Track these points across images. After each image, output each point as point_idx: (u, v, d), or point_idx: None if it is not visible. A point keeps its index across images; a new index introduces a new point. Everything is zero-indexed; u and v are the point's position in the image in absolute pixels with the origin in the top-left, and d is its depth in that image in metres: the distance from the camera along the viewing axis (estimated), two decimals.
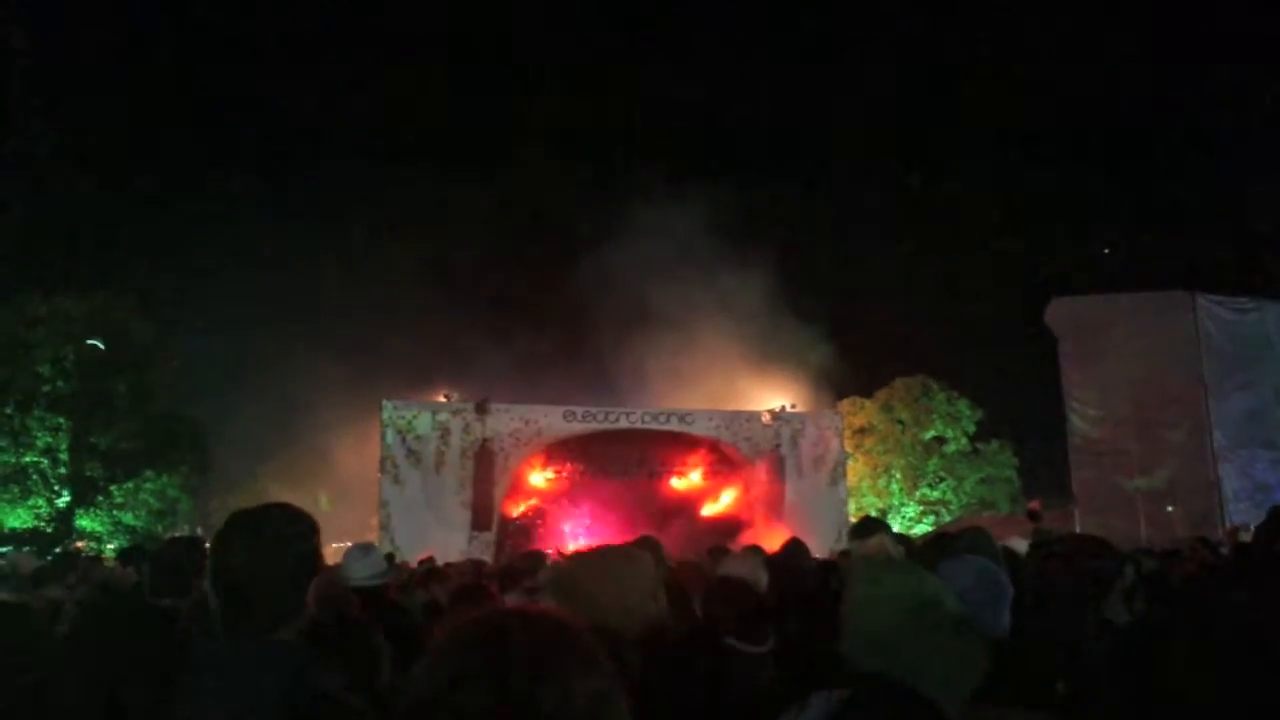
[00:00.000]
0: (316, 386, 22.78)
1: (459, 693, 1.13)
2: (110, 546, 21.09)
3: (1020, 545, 7.47)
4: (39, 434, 21.36)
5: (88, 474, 22.05)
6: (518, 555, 9.34)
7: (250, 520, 1.98)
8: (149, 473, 22.75)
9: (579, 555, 2.55)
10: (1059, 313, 20.16)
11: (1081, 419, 19.65)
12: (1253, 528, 12.83)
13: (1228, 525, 15.39)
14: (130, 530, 21.96)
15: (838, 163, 40.74)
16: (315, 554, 2.02)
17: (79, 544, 20.83)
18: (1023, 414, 28.19)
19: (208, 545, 2.24)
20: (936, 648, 1.83)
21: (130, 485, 22.50)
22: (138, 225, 29.74)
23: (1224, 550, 9.39)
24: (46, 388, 21.62)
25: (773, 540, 7.57)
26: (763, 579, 3.19)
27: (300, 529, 2.00)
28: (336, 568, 4.25)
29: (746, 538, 17.47)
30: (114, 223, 28.90)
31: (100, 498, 22.15)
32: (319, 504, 23.48)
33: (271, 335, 26.14)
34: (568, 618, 1.29)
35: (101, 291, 23.17)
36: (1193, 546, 8.55)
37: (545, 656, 1.17)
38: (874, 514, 26.44)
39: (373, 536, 17.73)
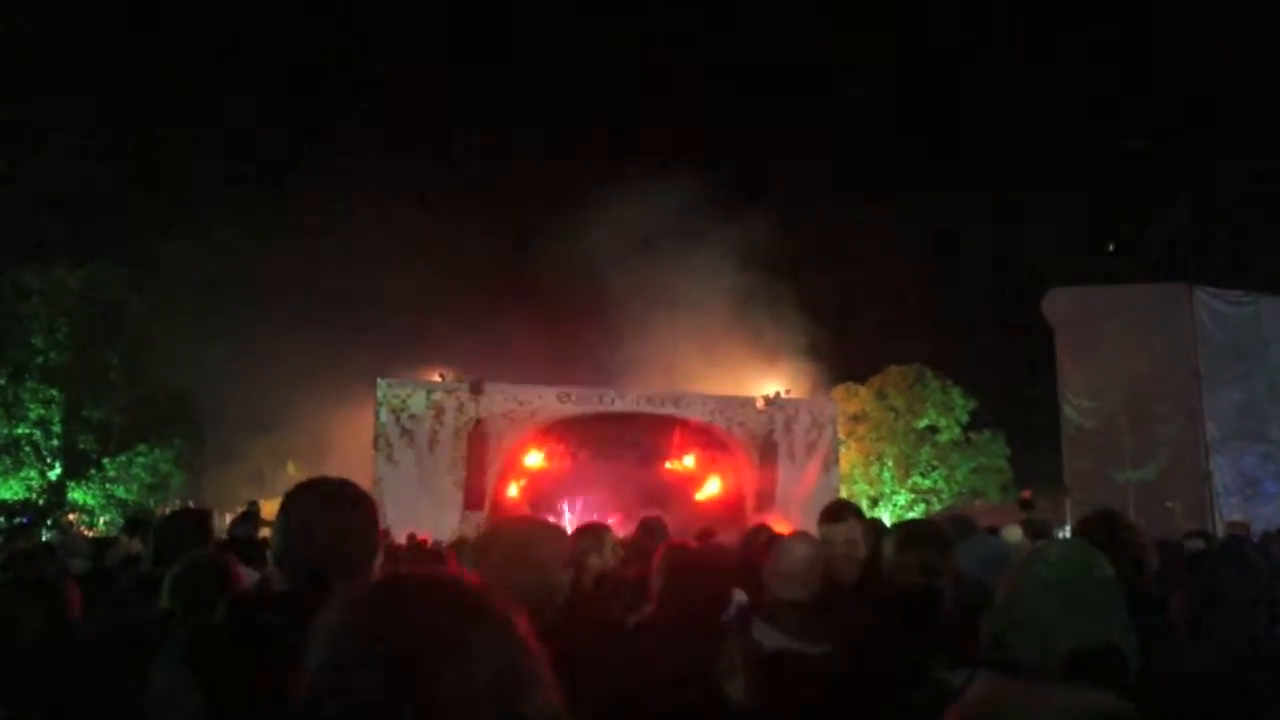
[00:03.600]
0: (312, 363, 22.72)
1: (346, 676, 1.03)
2: (103, 520, 21.09)
3: (1014, 533, 7.50)
4: (31, 406, 21.31)
5: (80, 446, 22.02)
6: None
7: (327, 490, 2.15)
8: (142, 446, 22.73)
9: (499, 524, 2.55)
10: (1055, 303, 20.16)
11: (1075, 410, 19.68)
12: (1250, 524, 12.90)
13: (1220, 518, 15.45)
14: (122, 504, 21.95)
15: (836, 149, 40.63)
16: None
17: (70, 516, 20.84)
18: (1016, 404, 28.27)
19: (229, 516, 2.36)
20: (1115, 635, 1.76)
21: (123, 458, 22.48)
22: (135, 199, 29.59)
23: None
24: (40, 359, 21.56)
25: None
26: (820, 564, 3.15)
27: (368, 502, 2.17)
28: None
29: (738, 523, 17.51)
30: (111, 196, 28.76)
31: (93, 470, 22.12)
32: (287, 470, 23.50)
33: (268, 311, 26.05)
34: (476, 584, 1.18)
35: (97, 264, 23.07)
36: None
37: (447, 629, 1.06)
38: (865, 502, 26.53)
39: None
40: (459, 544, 7.97)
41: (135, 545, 5.18)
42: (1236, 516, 14.58)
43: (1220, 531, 13.02)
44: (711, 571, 3.20)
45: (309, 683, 1.06)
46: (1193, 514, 15.92)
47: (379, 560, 2.08)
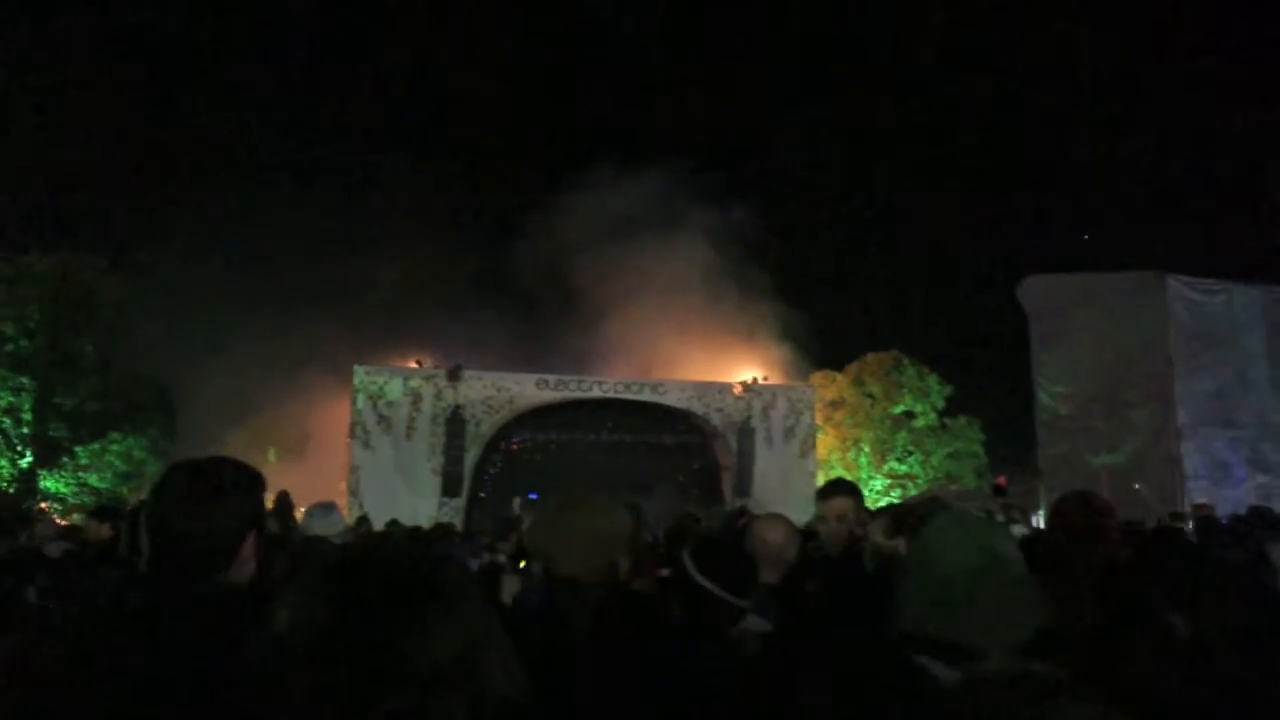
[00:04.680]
0: (290, 351, 22.57)
1: (302, 662, 1.04)
2: (74, 506, 20.88)
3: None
4: (1, 393, 21.03)
5: (52, 434, 21.75)
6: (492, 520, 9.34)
7: (193, 469, 1.94)
8: (115, 435, 22.48)
9: (555, 502, 2.53)
10: (1031, 291, 20.31)
11: (1049, 396, 19.86)
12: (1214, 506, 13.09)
13: (1189, 501, 15.66)
14: (96, 492, 21.72)
15: (820, 142, 40.67)
16: (258, 508, 1.98)
17: (42, 505, 20.60)
18: (991, 390, 28.54)
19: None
20: (1004, 602, 1.77)
21: (96, 447, 22.23)
22: (112, 188, 29.25)
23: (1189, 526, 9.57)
24: (10, 347, 21.26)
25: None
26: (795, 544, 3.18)
27: (243, 480, 1.96)
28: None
29: (715, 509, 17.60)
30: (87, 184, 28.39)
31: (65, 459, 21.88)
32: (268, 458, 23.36)
33: (244, 299, 25.85)
34: (431, 561, 1.21)
35: (69, 251, 22.75)
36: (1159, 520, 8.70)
37: (402, 599, 1.09)
38: None
39: (342, 501, 17.67)
40: (515, 521, 7.92)
41: (105, 530, 5.12)
42: (1201, 499, 14.79)
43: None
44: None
45: (263, 662, 1.08)
46: (1163, 498, 16.14)
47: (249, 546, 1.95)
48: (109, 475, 22.37)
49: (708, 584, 2.56)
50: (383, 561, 1.17)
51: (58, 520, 18.51)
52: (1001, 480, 20.08)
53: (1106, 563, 2.68)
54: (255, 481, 2.00)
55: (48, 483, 21.75)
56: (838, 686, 1.87)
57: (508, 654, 1.15)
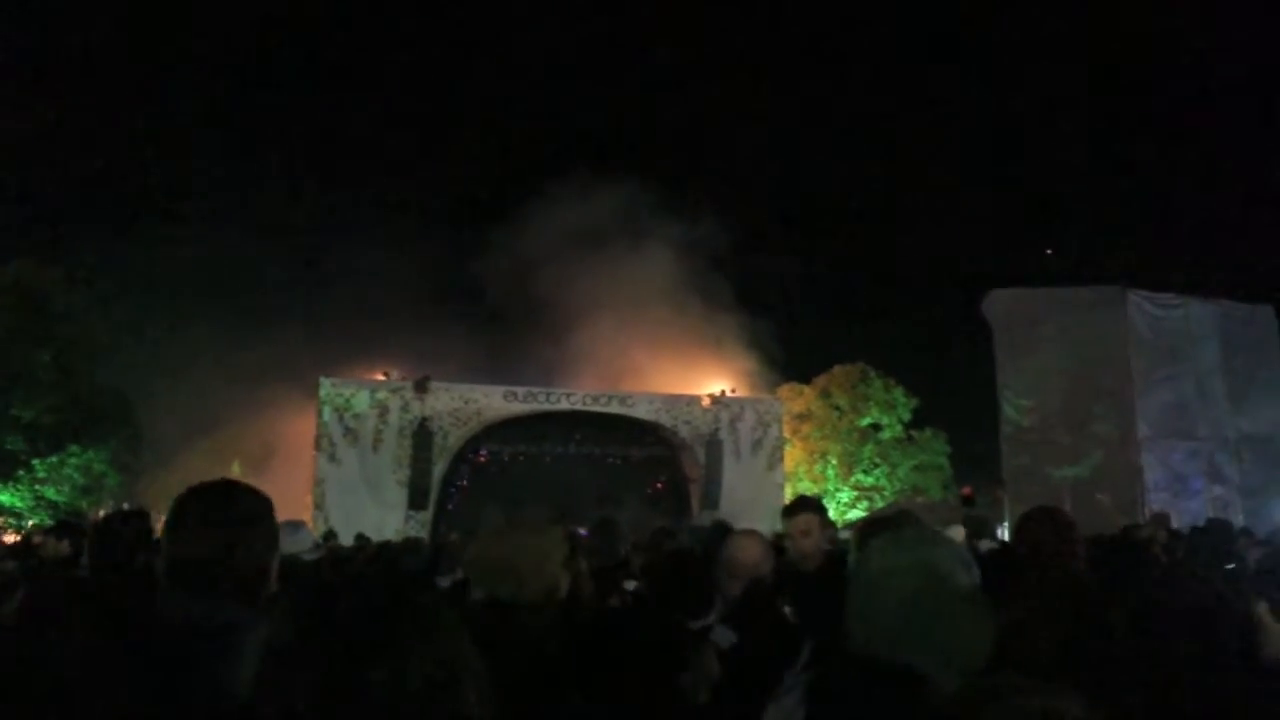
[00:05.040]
0: (254, 363, 22.30)
1: (284, 678, 1.05)
2: (31, 522, 20.42)
3: (957, 532, 7.57)
4: None
5: (8, 447, 21.29)
6: (454, 538, 9.25)
7: (212, 497, 1.94)
8: (74, 447, 22.03)
9: (487, 531, 2.55)
10: (995, 304, 20.56)
11: (1013, 409, 20.09)
12: (1170, 516, 13.31)
13: (1149, 512, 15.90)
14: (53, 506, 21.28)
15: (784, 155, 41.01)
16: (275, 532, 2.00)
17: None
18: (957, 403, 28.81)
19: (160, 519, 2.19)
20: (946, 622, 1.75)
21: (54, 460, 21.77)
22: (71, 196, 28.80)
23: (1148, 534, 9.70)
24: None
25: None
26: (769, 561, 3.18)
27: (264, 506, 1.99)
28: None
29: (684, 521, 17.60)
30: (42, 194, 27.95)
31: (21, 472, 21.41)
32: (232, 470, 23.05)
33: (208, 310, 25.54)
34: (403, 582, 1.21)
35: (25, 260, 22.33)
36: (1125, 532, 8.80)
37: (377, 629, 1.09)
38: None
39: (307, 515, 17.46)
40: (443, 546, 7.87)
41: (64, 548, 5.02)
42: (1157, 508, 15.06)
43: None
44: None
45: (248, 684, 1.07)
46: (1124, 509, 16.37)
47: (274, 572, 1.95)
48: (67, 489, 21.91)
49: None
50: (356, 585, 1.17)
51: (5, 537, 18.11)
52: (967, 491, 20.29)
53: (1072, 579, 2.72)
54: (271, 507, 2.02)
55: (3, 496, 21.28)
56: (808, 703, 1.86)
57: (480, 678, 1.14)
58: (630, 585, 3.98)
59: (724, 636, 2.72)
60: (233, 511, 1.89)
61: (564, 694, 2.07)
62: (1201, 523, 7.65)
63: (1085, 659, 1.83)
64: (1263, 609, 2.08)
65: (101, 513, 19.47)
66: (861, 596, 1.86)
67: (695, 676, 2.33)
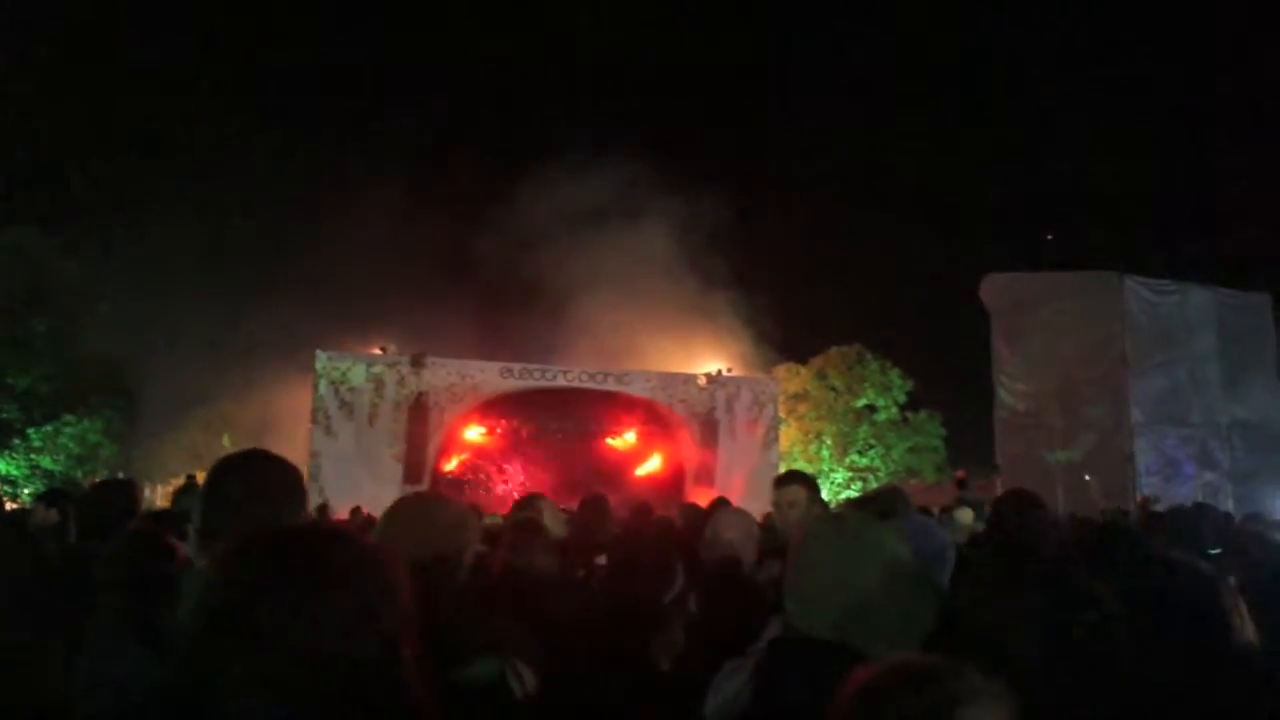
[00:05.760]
0: (251, 335, 22.31)
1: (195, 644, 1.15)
2: (26, 491, 20.48)
3: (966, 515, 7.62)
4: None
5: (3, 416, 21.30)
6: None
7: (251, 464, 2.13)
8: (69, 417, 22.05)
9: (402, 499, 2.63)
10: (993, 288, 20.58)
11: (1009, 392, 20.16)
12: (1159, 500, 13.40)
13: (1139, 497, 15.99)
14: (49, 475, 21.32)
15: (783, 133, 40.81)
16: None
17: None
18: (953, 385, 28.88)
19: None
20: (884, 601, 1.80)
21: (49, 429, 21.79)
22: (70, 165, 28.64)
23: (1134, 518, 9.78)
24: None
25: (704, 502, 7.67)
26: (754, 540, 3.21)
27: (296, 478, 2.16)
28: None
29: (679, 499, 17.66)
30: (39, 163, 27.77)
31: (16, 440, 21.43)
32: (222, 444, 23.10)
33: (204, 282, 25.50)
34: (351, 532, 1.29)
35: (22, 228, 22.24)
36: (1103, 514, 8.89)
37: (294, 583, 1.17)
38: None
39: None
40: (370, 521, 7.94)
41: (53, 515, 5.03)
42: (1148, 493, 15.16)
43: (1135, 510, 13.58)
44: (654, 550, 3.26)
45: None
46: (1115, 494, 16.45)
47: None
48: (62, 458, 21.95)
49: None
50: (274, 543, 1.22)
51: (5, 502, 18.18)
52: (961, 474, 20.37)
53: (1049, 559, 2.75)
54: (301, 477, 2.22)
55: None
56: (756, 679, 1.90)
57: (390, 642, 1.21)
58: (601, 559, 4.01)
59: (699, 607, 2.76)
60: (271, 484, 2.08)
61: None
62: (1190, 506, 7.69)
63: (1059, 650, 1.85)
64: (1231, 591, 2.10)
65: (93, 481, 19.50)
66: (800, 577, 1.90)
67: (663, 645, 2.37)
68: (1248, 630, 2.03)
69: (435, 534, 2.32)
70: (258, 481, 2.03)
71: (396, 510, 2.47)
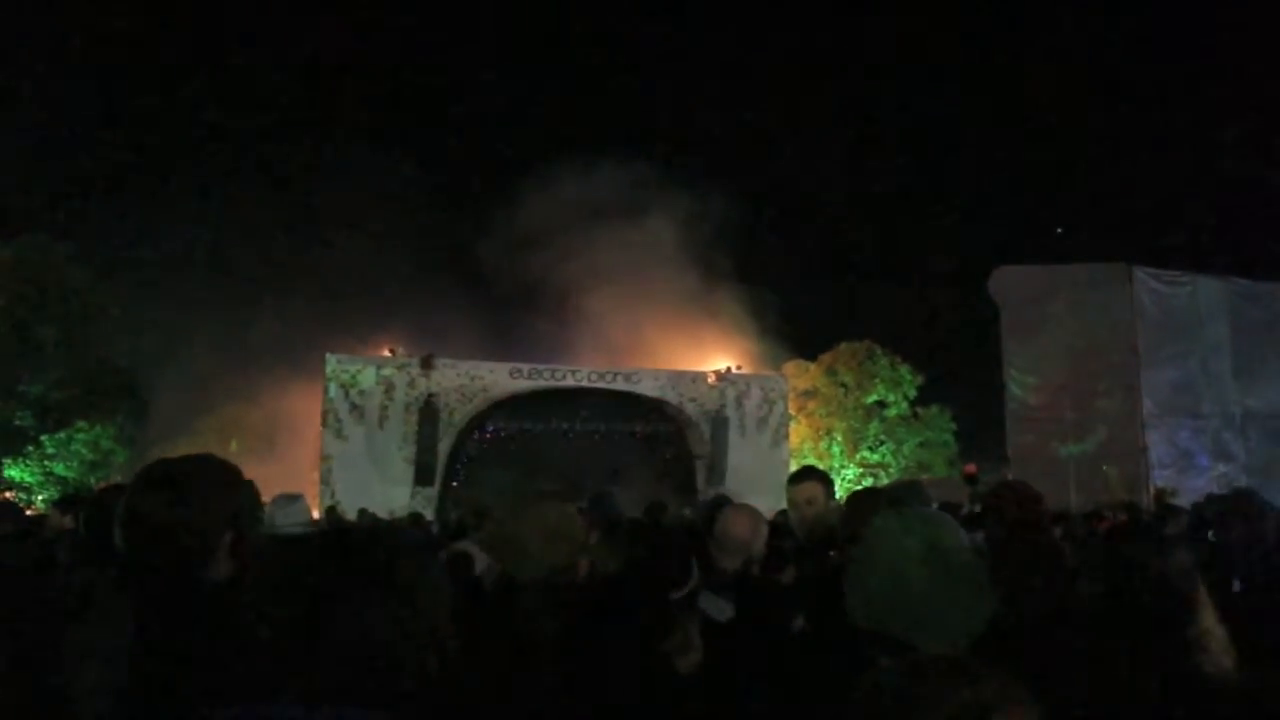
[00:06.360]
0: (262, 339, 22.38)
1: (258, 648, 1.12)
2: (40, 498, 20.59)
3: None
4: None
5: (17, 423, 21.42)
6: (466, 510, 9.30)
7: (170, 467, 1.94)
8: (82, 423, 22.15)
9: (509, 507, 2.57)
10: (1001, 282, 20.47)
11: (1019, 386, 20.06)
12: (1178, 493, 13.34)
13: (1153, 488, 15.90)
14: (62, 481, 21.43)
15: (790, 130, 40.74)
16: (237, 507, 1.96)
17: (7, 494, 20.30)
18: (963, 380, 28.78)
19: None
20: (942, 599, 1.77)
21: (62, 435, 21.90)
22: (79, 172, 28.76)
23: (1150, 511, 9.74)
24: None
25: None
26: (762, 536, 3.20)
27: (221, 478, 1.97)
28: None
29: (690, 497, 17.66)
30: (53, 169, 27.90)
31: (30, 447, 21.55)
32: (230, 448, 23.21)
33: (214, 288, 25.60)
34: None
35: (28, 236, 22.35)
36: (1113, 509, 8.86)
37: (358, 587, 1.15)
38: None
39: (314, 491, 17.56)
40: (477, 518, 7.85)
41: (67, 522, 5.05)
42: (1162, 485, 15.08)
43: (1150, 502, 13.52)
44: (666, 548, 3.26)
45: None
46: (1128, 486, 16.37)
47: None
48: (75, 464, 22.06)
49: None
50: (340, 550, 1.20)
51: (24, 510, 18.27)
52: (971, 469, 20.27)
53: (1047, 550, 2.74)
54: (235, 480, 1.99)
55: (12, 471, 21.42)
56: (775, 675, 1.90)
57: (441, 645, 1.18)
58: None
59: (712, 605, 2.75)
60: (182, 482, 1.90)
61: (544, 670, 2.10)
62: (1203, 498, 7.64)
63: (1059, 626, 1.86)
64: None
65: (101, 486, 19.58)
66: (863, 572, 1.88)
67: (677, 644, 2.36)
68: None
69: (551, 541, 2.31)
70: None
71: (516, 518, 2.43)
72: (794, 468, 22.38)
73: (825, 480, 4.05)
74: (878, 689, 1.17)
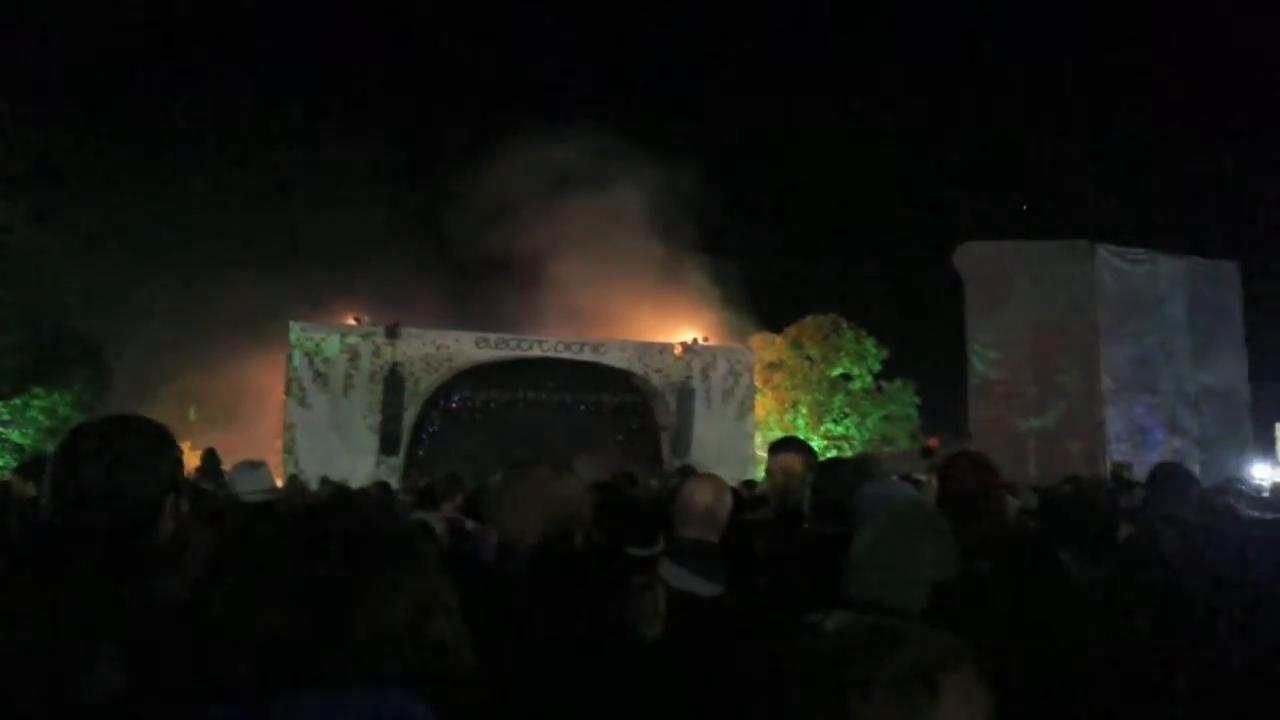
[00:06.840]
0: (226, 307, 22.03)
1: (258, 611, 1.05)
2: None
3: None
4: None
5: None
6: (438, 477, 9.25)
7: (106, 433, 1.85)
8: (38, 390, 21.74)
9: (507, 469, 2.57)
10: (966, 257, 20.65)
11: (981, 360, 20.30)
12: (1134, 467, 13.63)
13: (1110, 463, 16.24)
14: (18, 448, 21.05)
15: (758, 101, 40.61)
16: (174, 469, 1.89)
17: None
18: (926, 354, 29.07)
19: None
20: (936, 571, 1.95)
21: (17, 402, 21.49)
22: (35, 133, 27.97)
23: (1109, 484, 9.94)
24: None
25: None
26: (726, 506, 3.22)
27: (154, 441, 1.88)
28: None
29: (655, 467, 17.75)
30: (11, 133, 27.12)
31: None
32: (189, 418, 22.95)
33: (175, 254, 25.14)
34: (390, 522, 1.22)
35: None
36: (1069, 481, 9.03)
37: (361, 563, 1.10)
38: None
39: (276, 459, 17.42)
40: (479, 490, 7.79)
41: (30, 489, 4.97)
42: (1119, 459, 15.41)
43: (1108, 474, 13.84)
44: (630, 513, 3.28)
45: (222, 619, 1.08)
46: (1086, 460, 16.71)
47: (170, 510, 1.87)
48: (32, 431, 21.67)
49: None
50: (347, 516, 1.17)
51: None
52: (932, 442, 20.54)
53: (999, 518, 2.85)
54: (169, 439, 1.92)
55: None
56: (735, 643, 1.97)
57: (456, 617, 1.16)
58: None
59: (673, 574, 2.78)
60: (121, 445, 1.81)
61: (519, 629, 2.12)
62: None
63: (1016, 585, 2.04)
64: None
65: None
66: (870, 550, 2.01)
67: (644, 610, 2.38)
68: None
69: (554, 509, 2.31)
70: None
71: (514, 484, 2.42)
72: (759, 439, 22.56)
73: (805, 450, 4.09)
74: (820, 653, 1.19)
